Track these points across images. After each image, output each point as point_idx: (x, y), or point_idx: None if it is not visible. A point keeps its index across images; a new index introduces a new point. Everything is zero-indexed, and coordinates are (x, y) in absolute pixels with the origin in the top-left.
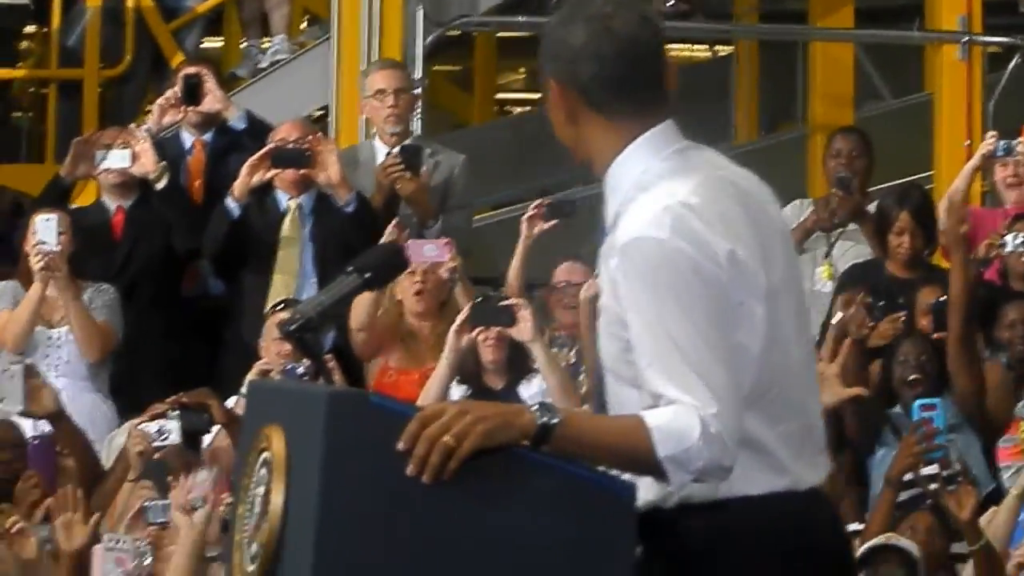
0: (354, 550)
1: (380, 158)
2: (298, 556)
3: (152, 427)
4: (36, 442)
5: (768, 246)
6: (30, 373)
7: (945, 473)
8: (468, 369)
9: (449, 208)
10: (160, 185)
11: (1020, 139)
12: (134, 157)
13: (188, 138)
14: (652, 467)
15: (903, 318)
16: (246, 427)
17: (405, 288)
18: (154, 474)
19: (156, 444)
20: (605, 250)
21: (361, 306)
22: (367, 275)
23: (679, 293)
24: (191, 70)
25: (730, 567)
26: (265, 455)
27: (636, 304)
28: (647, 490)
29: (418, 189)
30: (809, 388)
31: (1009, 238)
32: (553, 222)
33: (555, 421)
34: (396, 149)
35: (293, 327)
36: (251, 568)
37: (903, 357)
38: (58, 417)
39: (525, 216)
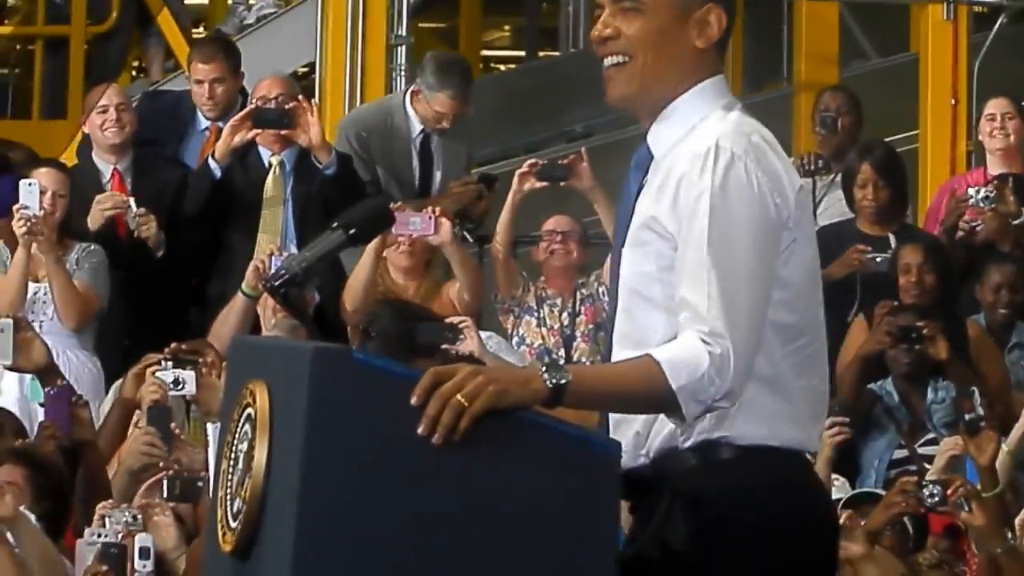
0: (338, 505)
1: (414, 126)
2: (282, 512)
3: (169, 376)
4: (52, 392)
5: None
6: (19, 326)
7: (968, 417)
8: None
9: None
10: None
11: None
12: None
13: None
14: (666, 401)
15: (868, 252)
16: (230, 383)
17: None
18: (157, 420)
19: (173, 394)
20: (657, 163)
21: (355, 289)
22: (352, 231)
23: (737, 212)
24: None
25: (746, 520)
26: (249, 411)
27: (695, 211)
28: (663, 431)
29: (481, 212)
30: (825, 352)
31: (971, 192)
32: (544, 184)
33: (565, 381)
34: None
35: (277, 283)
36: (234, 524)
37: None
38: (48, 372)
39: (518, 172)
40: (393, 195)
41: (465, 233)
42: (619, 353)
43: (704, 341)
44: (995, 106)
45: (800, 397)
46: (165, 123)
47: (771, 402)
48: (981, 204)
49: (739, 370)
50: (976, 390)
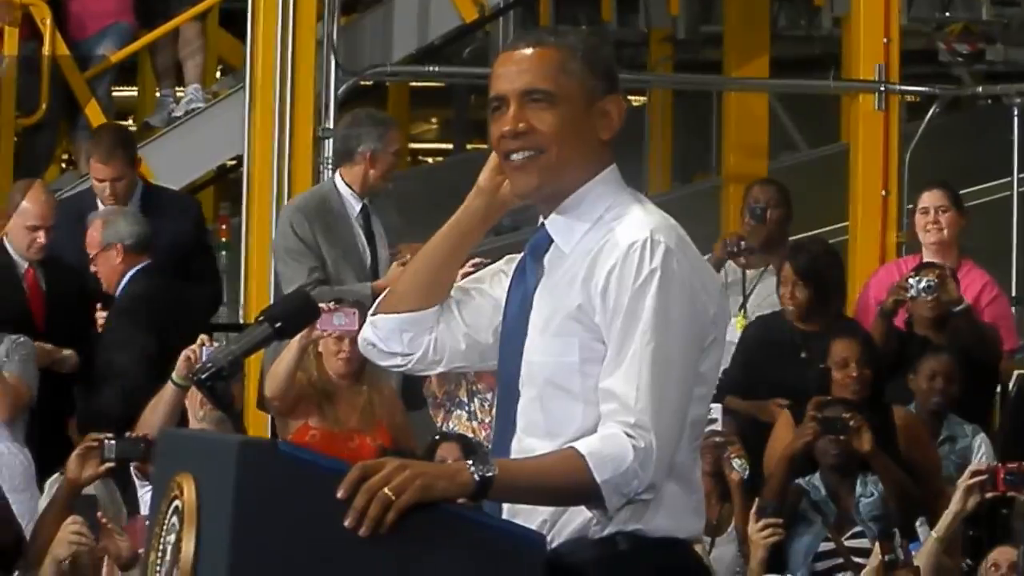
0: None
1: (352, 204)
2: None
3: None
4: None
5: None
6: None
7: (887, 558)
8: None
9: None
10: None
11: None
12: None
13: None
14: (591, 495)
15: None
16: (158, 475)
17: (328, 348)
18: (84, 510)
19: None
20: (564, 255)
21: (276, 376)
22: (278, 324)
23: (673, 307)
24: None
25: None
26: (176, 503)
27: (633, 305)
28: (573, 521)
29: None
30: None
31: (912, 282)
32: None
33: (492, 474)
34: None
35: (204, 376)
36: None
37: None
38: None
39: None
40: (326, 286)
41: None
42: (528, 443)
43: (628, 435)
44: (929, 199)
45: (699, 488)
46: (75, 226)
47: (681, 494)
48: (923, 293)
49: (661, 463)
50: (897, 531)
